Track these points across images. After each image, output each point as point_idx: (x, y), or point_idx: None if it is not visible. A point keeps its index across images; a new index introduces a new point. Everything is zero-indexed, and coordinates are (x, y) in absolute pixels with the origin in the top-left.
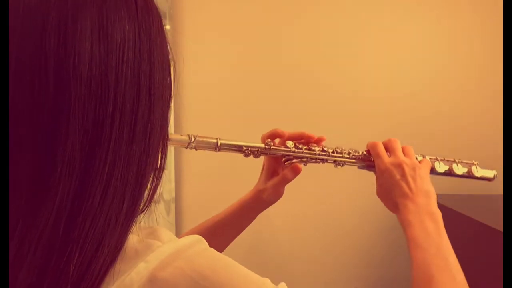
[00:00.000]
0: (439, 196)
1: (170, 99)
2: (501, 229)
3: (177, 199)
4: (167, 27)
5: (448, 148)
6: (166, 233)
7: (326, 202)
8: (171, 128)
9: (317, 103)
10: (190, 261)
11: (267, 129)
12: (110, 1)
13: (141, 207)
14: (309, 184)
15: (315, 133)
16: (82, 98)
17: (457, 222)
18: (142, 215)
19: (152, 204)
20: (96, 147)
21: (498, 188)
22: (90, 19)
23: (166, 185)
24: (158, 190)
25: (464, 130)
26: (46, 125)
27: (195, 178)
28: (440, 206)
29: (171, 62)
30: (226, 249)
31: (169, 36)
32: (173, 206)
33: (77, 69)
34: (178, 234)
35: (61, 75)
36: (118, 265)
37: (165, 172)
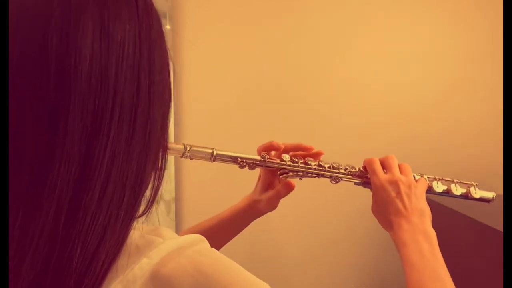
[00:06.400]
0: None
1: (170, 101)
2: (501, 229)
3: (177, 199)
4: (167, 27)
5: (448, 149)
6: (168, 231)
7: (325, 201)
8: (171, 130)
9: (317, 109)
10: (193, 259)
11: (266, 133)
12: (111, 2)
13: (143, 207)
14: (309, 184)
15: (314, 145)
16: (82, 93)
17: (457, 222)
18: (144, 217)
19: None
20: (95, 142)
21: (498, 188)
22: (92, 19)
23: (166, 185)
24: (160, 190)
25: (465, 131)
26: (46, 119)
27: (195, 178)
28: (440, 206)
29: (171, 64)
30: (224, 248)
31: (169, 36)
32: (173, 206)
33: (78, 65)
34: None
35: (62, 71)
36: (120, 261)
37: (165, 172)
